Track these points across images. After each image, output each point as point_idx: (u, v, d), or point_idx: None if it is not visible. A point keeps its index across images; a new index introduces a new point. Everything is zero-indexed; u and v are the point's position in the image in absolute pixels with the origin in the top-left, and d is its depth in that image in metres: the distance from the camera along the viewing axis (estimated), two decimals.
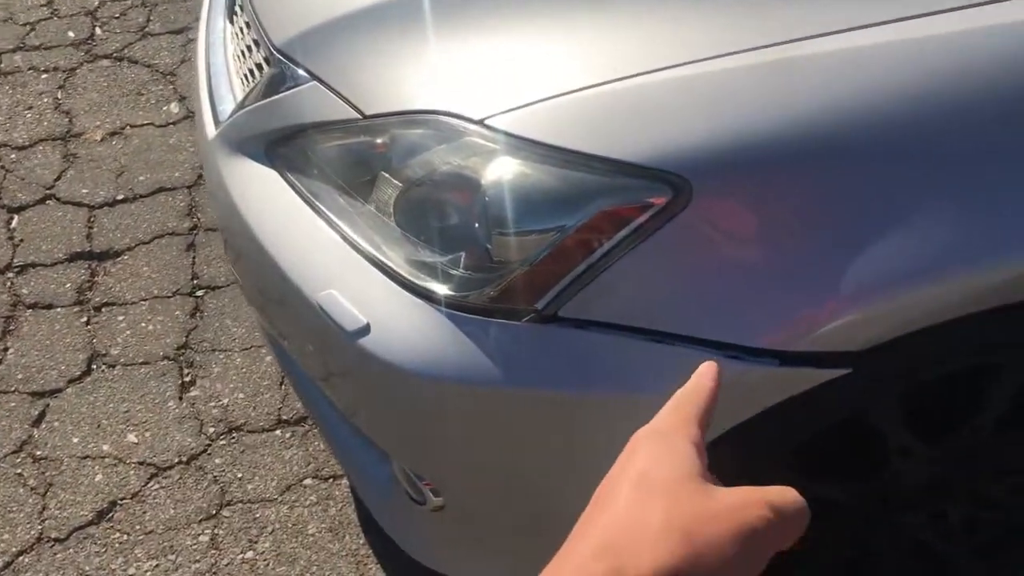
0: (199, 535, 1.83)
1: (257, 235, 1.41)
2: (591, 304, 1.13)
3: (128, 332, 2.19)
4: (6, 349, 2.16)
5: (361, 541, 1.80)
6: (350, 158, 1.33)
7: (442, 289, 1.19)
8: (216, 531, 1.83)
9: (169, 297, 2.26)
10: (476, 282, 1.18)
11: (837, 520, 1.41)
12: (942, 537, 1.48)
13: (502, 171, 1.14)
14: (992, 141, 1.07)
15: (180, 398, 2.06)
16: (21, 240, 2.39)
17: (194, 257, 2.34)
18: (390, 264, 1.23)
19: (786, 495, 0.49)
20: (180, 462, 1.94)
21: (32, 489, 1.91)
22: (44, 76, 2.84)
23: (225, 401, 2.04)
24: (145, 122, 2.68)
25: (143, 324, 2.20)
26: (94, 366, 2.12)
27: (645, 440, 0.51)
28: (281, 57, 1.43)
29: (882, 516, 1.43)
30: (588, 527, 0.47)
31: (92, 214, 2.45)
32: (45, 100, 2.76)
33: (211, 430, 1.99)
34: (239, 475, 1.91)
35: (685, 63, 1.11)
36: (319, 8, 1.42)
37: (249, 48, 1.60)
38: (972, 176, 1.07)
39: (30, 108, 2.73)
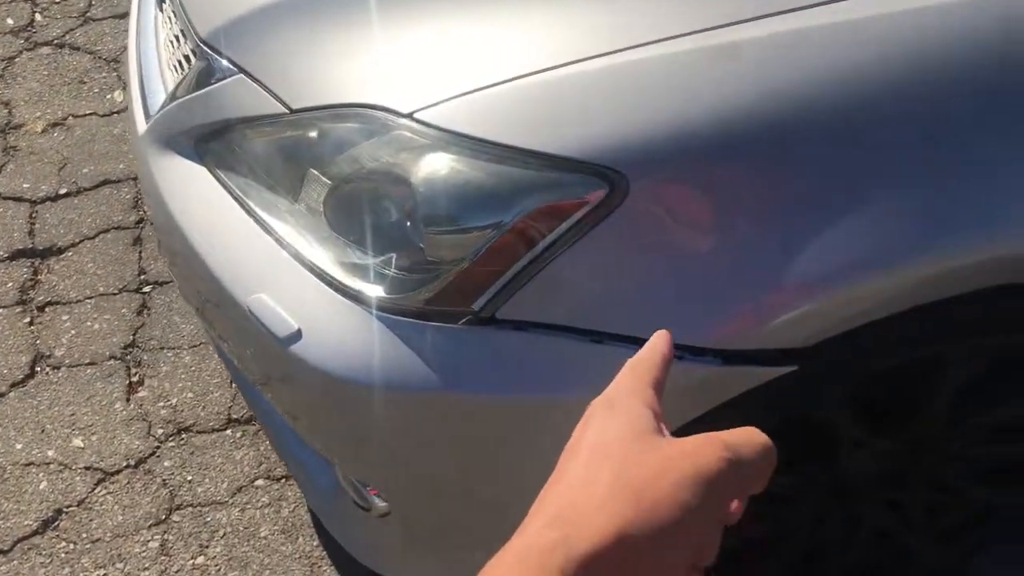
0: (148, 541, 1.78)
1: (187, 235, 1.35)
2: (529, 305, 1.08)
3: (73, 332, 2.12)
4: None
5: (315, 543, 1.76)
6: (279, 154, 1.27)
7: (375, 292, 1.14)
8: (166, 537, 1.78)
9: (115, 294, 2.19)
10: (410, 283, 1.13)
11: (793, 514, 1.38)
12: (901, 525, 1.45)
13: (432, 167, 1.09)
14: (942, 126, 1.03)
15: (127, 399, 2.00)
16: None
17: (140, 252, 2.27)
18: (321, 266, 1.18)
19: (748, 436, 0.48)
20: (128, 466, 1.89)
21: None
22: None
23: (174, 401, 1.98)
24: (88, 112, 2.60)
25: (88, 323, 2.14)
26: (38, 368, 2.06)
27: (598, 408, 0.51)
28: (206, 49, 1.36)
29: (838, 507, 1.40)
30: (542, 501, 0.47)
31: (34, 209, 2.37)
32: None
33: (159, 432, 1.94)
34: (189, 478, 1.86)
35: (622, 49, 1.06)
36: None
37: (177, 38, 1.53)
38: (921, 163, 1.02)
39: None
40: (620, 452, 0.47)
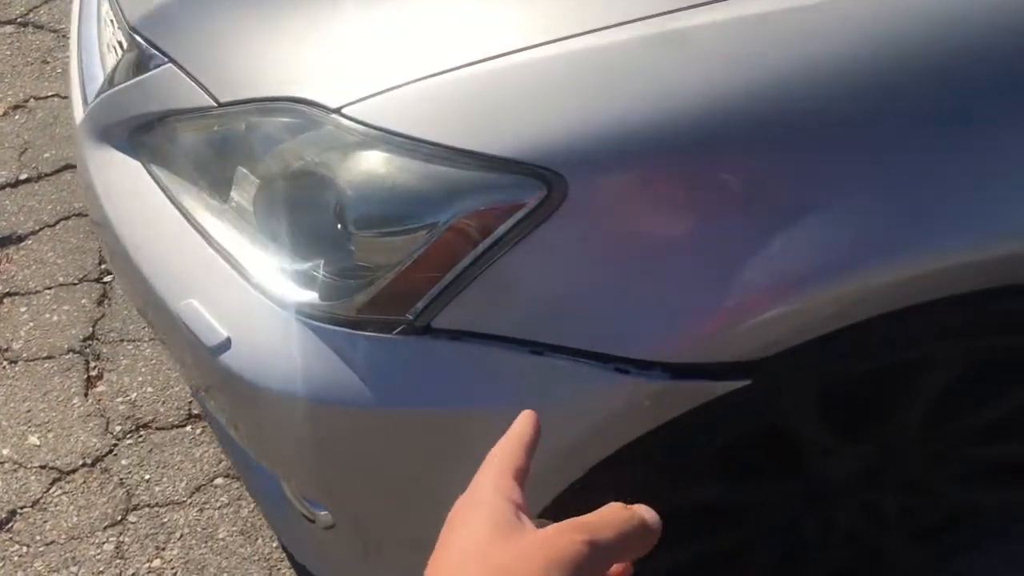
0: (103, 544, 1.72)
1: (119, 234, 1.28)
2: (466, 314, 1.01)
3: (31, 324, 2.06)
4: None
5: (274, 544, 1.70)
6: (208, 150, 1.20)
7: (306, 299, 1.07)
8: (121, 539, 1.73)
9: (75, 284, 2.13)
10: (342, 290, 1.06)
11: (761, 522, 1.32)
12: (875, 527, 1.39)
13: (361, 167, 1.02)
14: (923, 120, 0.95)
15: (85, 394, 1.94)
16: None
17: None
18: (251, 271, 1.11)
19: (607, 516, 0.49)
20: (84, 464, 1.83)
21: None
22: None
23: (133, 396, 1.92)
24: (51, 93, 2.52)
25: (47, 315, 2.07)
26: None
27: (462, 508, 0.51)
28: (136, 36, 1.29)
29: (809, 512, 1.34)
30: (446, 555, 0.48)
31: None
32: None
33: (117, 428, 1.88)
34: (146, 476, 1.80)
35: (559, 39, 0.98)
36: None
37: (113, 23, 1.45)
38: (896, 160, 0.95)
39: None
40: (484, 550, 0.47)
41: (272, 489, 1.37)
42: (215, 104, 1.15)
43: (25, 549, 1.72)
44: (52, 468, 1.83)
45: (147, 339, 2.01)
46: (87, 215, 2.25)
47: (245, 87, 1.14)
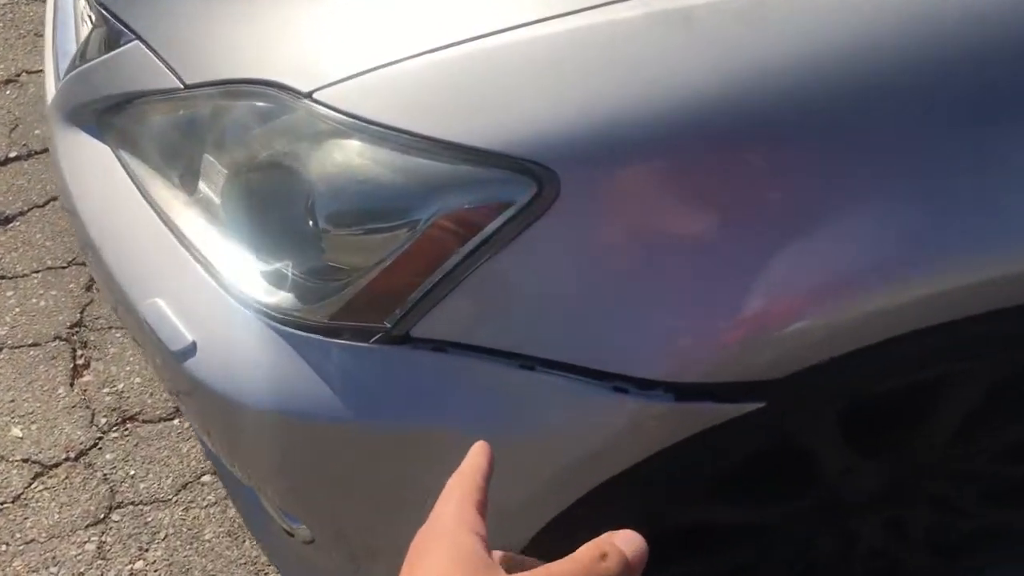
0: (85, 543, 1.65)
1: (85, 223, 1.19)
2: (448, 322, 0.92)
3: (17, 310, 1.98)
4: None
5: None
6: (175, 136, 1.10)
7: (275, 302, 0.97)
8: (104, 538, 1.65)
9: (63, 268, 2.04)
10: (315, 294, 0.96)
11: (777, 544, 1.22)
12: (898, 543, 1.29)
13: (333, 157, 0.92)
14: (959, 110, 0.84)
15: (71, 384, 1.86)
16: None
17: None
18: (219, 270, 1.02)
19: (578, 562, 0.46)
20: (67, 459, 1.75)
21: None
22: None
23: (120, 386, 1.84)
24: (43, 67, 2.42)
25: (34, 300, 1.99)
26: None
27: (424, 544, 0.49)
28: (102, 10, 1.19)
29: (826, 529, 1.24)
30: None
31: None
32: None
33: (103, 421, 1.80)
34: (131, 472, 1.72)
35: (554, 16, 0.87)
36: None
37: None
38: (925, 159, 0.83)
39: None
40: None
41: (251, 499, 1.29)
42: (181, 86, 1.05)
43: (4, 548, 1.65)
44: (35, 462, 1.75)
45: None
46: None
47: (213, 68, 1.04)
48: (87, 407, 1.82)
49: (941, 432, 1.08)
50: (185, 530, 1.65)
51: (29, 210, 2.15)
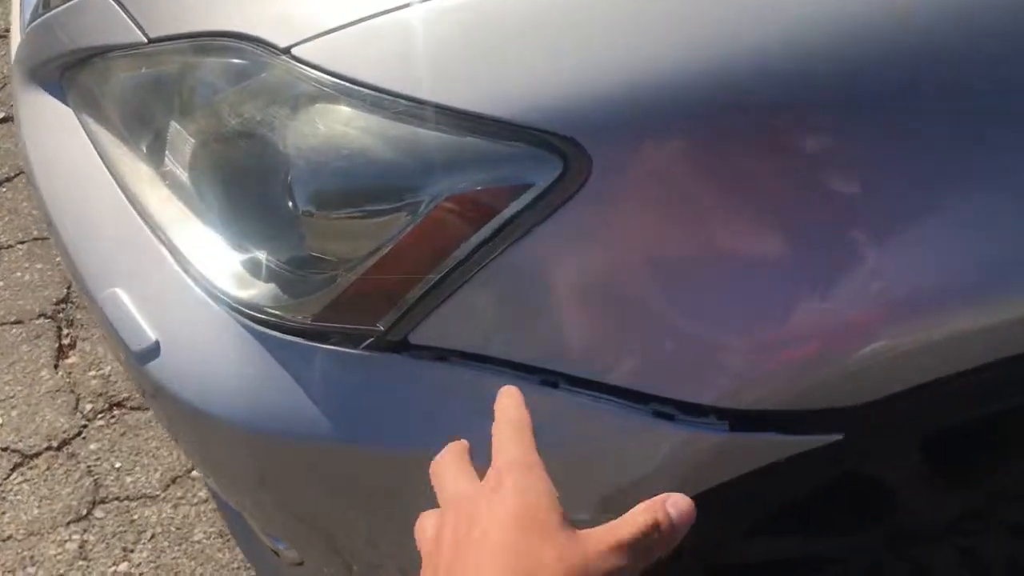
0: (66, 542, 1.52)
1: (44, 198, 1.04)
2: (454, 327, 0.76)
3: (1, 284, 1.84)
4: None
5: None
6: (140, 98, 0.94)
7: (249, 298, 0.82)
8: (86, 536, 1.52)
9: (50, 239, 1.89)
10: (294, 289, 0.81)
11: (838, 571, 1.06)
12: (974, 573, 1.13)
13: (316, 126, 0.76)
14: None
15: (55, 366, 1.72)
16: None
17: None
18: (189, 258, 0.86)
19: (637, 524, 0.46)
20: (50, 448, 1.62)
21: None
22: None
23: (107, 369, 1.70)
24: None
25: (18, 273, 1.85)
26: None
27: (510, 472, 0.48)
28: None
29: (895, 558, 1.08)
30: (470, 555, 0.45)
31: None
32: None
33: (88, 407, 1.66)
34: (117, 465, 1.59)
35: None
36: None
37: None
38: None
39: None
40: (552, 534, 0.45)
41: (237, 514, 1.15)
42: (144, 40, 0.90)
43: None
44: (14, 451, 1.62)
45: None
46: None
47: (180, 20, 0.88)
48: (71, 391, 1.68)
49: None
50: (173, 529, 1.51)
51: (16, 176, 2.00)
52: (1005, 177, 0.68)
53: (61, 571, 1.49)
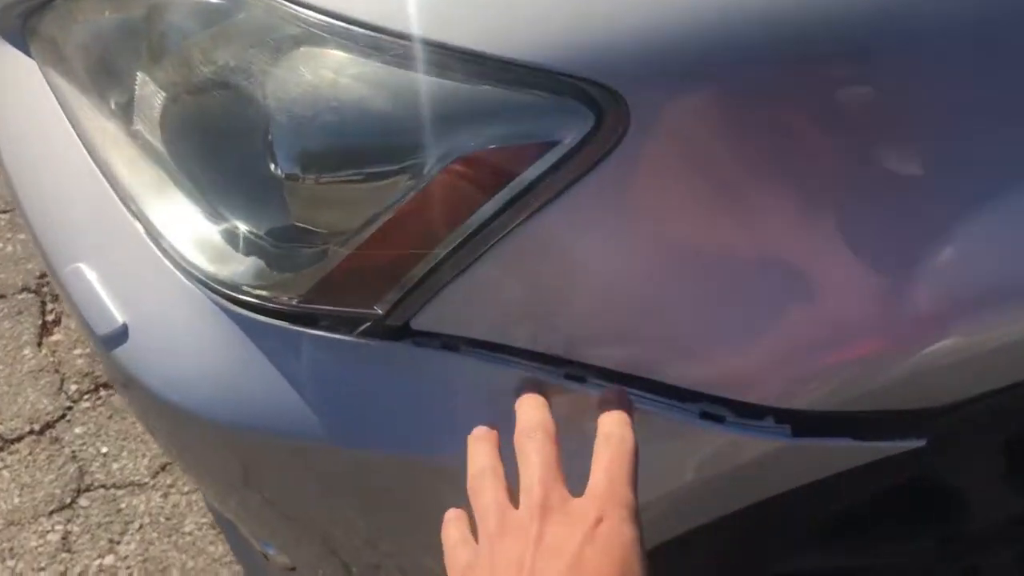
0: (48, 532, 1.42)
1: (5, 160, 0.94)
2: (463, 311, 0.65)
3: None
4: None
5: None
6: (106, 46, 0.83)
7: (227, 275, 0.71)
8: (70, 527, 1.42)
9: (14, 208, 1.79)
10: (279, 265, 0.70)
11: None
12: None
13: (299, 73, 0.64)
14: None
15: (39, 344, 1.62)
16: None
17: None
18: (160, 229, 0.76)
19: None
20: (32, 432, 1.52)
21: None
22: None
23: (92, 348, 1.60)
24: None
25: (0, 244, 1.75)
26: None
27: (611, 514, 0.49)
28: None
29: (949, 564, 0.97)
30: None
31: None
32: None
33: (73, 388, 1.56)
34: (103, 450, 1.49)
35: None
36: None
37: None
38: None
39: None
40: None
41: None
42: None
43: None
44: None
45: None
46: None
47: None
48: (56, 371, 1.58)
49: None
50: (163, 520, 1.41)
51: None
52: None
53: (42, 564, 1.39)
